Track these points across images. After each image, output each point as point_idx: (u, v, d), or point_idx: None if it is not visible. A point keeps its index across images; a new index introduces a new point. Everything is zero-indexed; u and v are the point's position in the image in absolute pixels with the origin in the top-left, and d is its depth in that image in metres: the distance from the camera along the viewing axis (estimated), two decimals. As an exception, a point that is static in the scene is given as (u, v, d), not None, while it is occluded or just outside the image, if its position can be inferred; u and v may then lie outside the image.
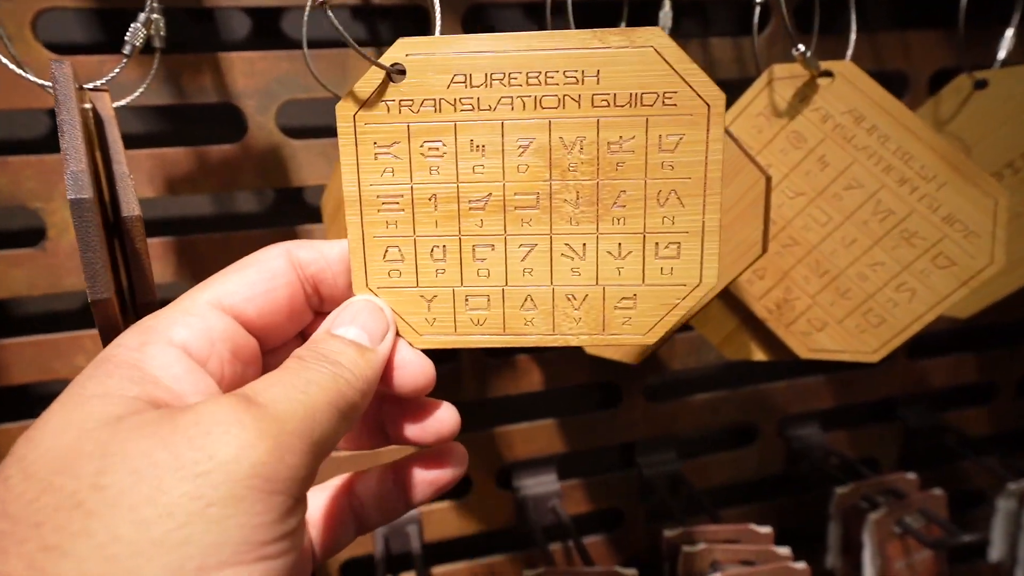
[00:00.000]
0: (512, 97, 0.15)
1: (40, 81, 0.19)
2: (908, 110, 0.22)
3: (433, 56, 0.14)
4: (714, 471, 0.38)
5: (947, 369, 0.40)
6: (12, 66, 0.19)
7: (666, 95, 0.14)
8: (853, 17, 0.25)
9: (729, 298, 0.25)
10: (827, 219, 0.23)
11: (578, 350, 0.32)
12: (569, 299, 0.16)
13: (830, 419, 0.40)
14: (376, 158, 0.15)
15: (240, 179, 0.29)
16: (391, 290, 0.16)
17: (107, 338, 0.17)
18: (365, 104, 0.15)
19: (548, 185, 0.15)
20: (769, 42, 0.32)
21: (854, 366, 0.39)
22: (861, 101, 0.22)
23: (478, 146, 0.15)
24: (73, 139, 0.16)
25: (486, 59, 0.14)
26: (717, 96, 0.14)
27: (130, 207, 0.17)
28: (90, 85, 0.20)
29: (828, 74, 0.23)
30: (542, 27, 0.27)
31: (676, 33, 0.19)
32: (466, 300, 0.16)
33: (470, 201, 0.15)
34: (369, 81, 0.15)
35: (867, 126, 0.22)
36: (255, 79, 0.28)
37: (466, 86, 0.15)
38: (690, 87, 0.14)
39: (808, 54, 0.22)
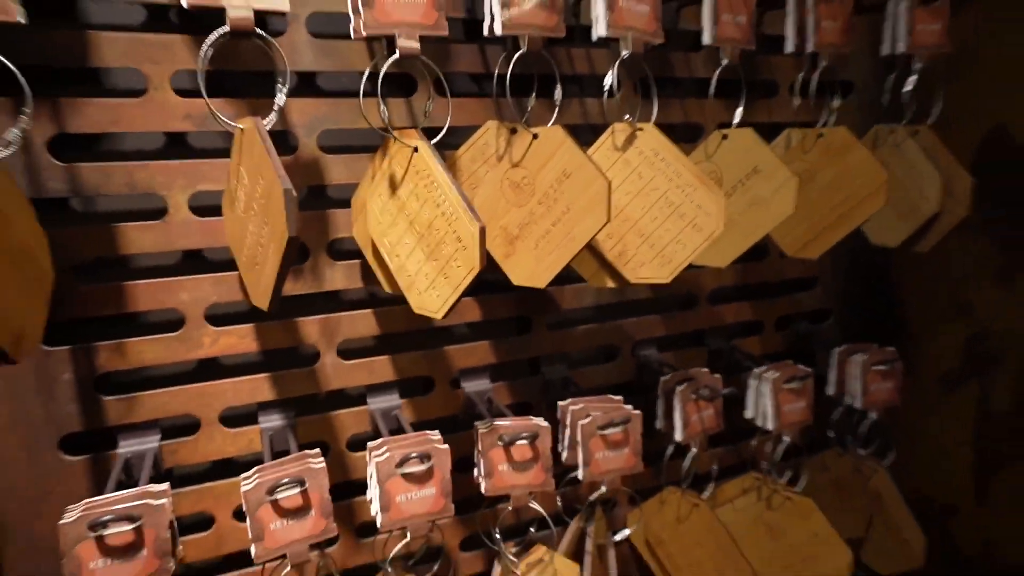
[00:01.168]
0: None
1: (233, 124, 0.35)
2: (678, 150, 0.43)
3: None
4: (590, 377, 0.58)
5: (734, 312, 0.63)
6: (218, 116, 0.35)
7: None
8: (655, 94, 0.46)
9: (592, 250, 0.45)
10: (639, 205, 0.44)
11: (506, 294, 0.51)
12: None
13: (663, 344, 0.61)
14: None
15: (292, 178, 0.45)
16: None
17: (285, 270, 0.33)
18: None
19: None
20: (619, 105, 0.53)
21: (680, 308, 0.61)
22: (658, 144, 0.43)
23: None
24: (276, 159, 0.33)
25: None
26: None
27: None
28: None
29: (640, 129, 0.44)
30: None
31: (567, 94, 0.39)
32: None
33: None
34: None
35: (661, 157, 0.43)
36: (303, 116, 0.45)
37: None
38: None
39: (630, 118, 0.43)
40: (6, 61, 0.31)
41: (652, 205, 0.44)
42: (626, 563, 0.63)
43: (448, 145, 0.44)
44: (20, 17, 0.30)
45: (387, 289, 0.45)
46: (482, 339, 0.54)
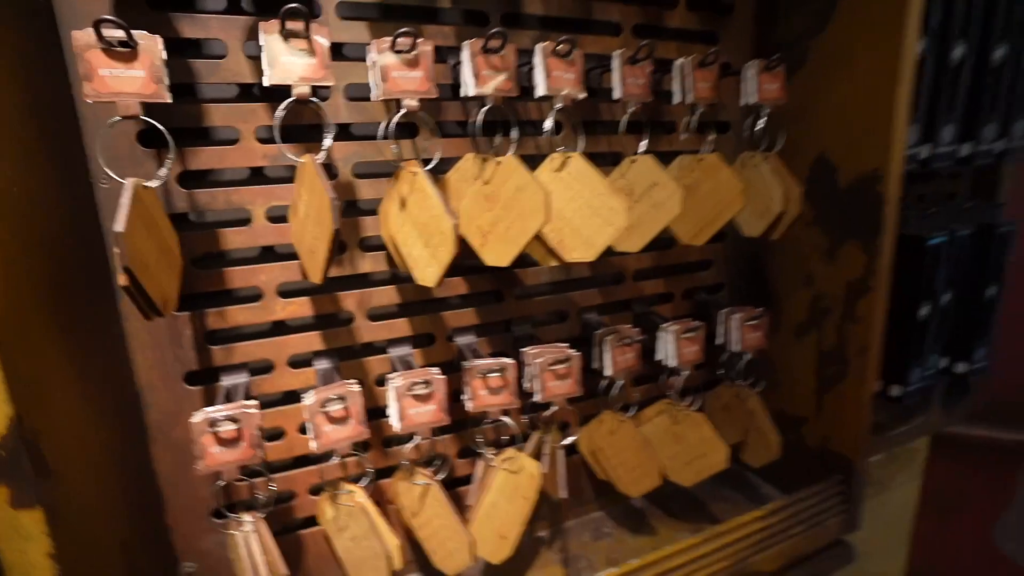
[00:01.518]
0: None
1: (297, 159, 0.46)
2: (596, 170, 0.53)
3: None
4: (548, 333, 0.68)
5: (652, 286, 0.74)
6: (287, 154, 0.45)
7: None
8: (581, 132, 0.56)
9: (540, 240, 0.56)
10: (571, 208, 0.54)
11: (485, 275, 0.62)
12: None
13: (601, 310, 0.72)
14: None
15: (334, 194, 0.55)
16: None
17: (332, 254, 0.43)
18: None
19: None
20: (561, 139, 0.63)
21: (613, 283, 0.71)
22: (582, 166, 0.54)
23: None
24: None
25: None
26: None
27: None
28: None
29: (570, 156, 0.54)
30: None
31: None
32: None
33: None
34: (407, 177, 0.43)
35: (584, 175, 0.54)
36: (342, 153, 0.55)
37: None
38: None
39: (564, 148, 0.53)
40: (159, 125, 0.41)
41: (579, 208, 0.54)
42: (577, 468, 0.74)
43: (441, 171, 0.54)
44: (168, 99, 0.40)
45: (402, 270, 0.55)
46: (469, 307, 0.64)
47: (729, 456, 0.67)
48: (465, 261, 0.55)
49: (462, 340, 0.64)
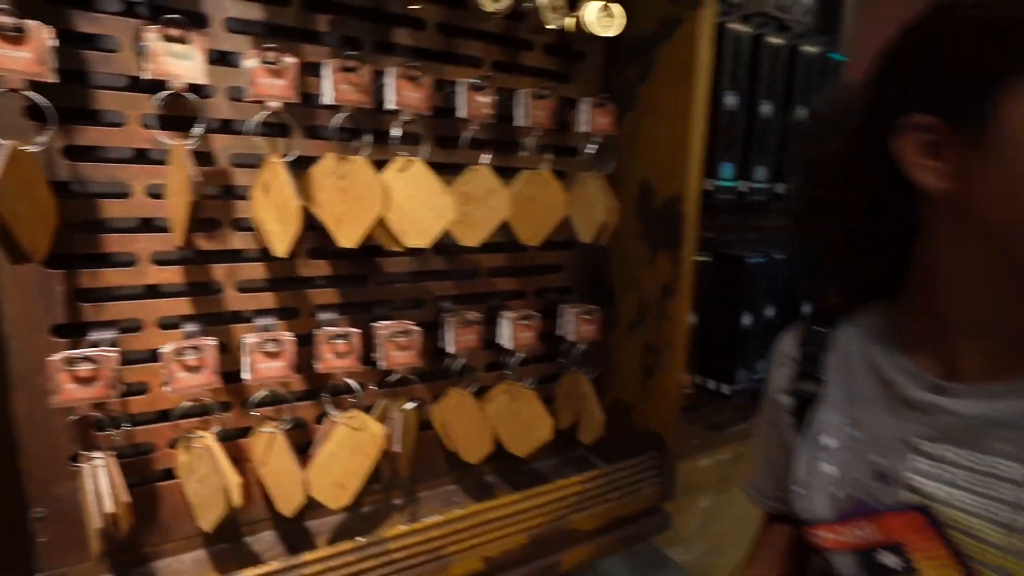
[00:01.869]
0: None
1: (170, 143, 0.55)
2: (432, 172, 0.65)
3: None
4: (408, 316, 0.78)
5: (505, 283, 0.85)
6: (165, 141, 0.54)
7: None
8: (424, 141, 0.68)
9: (386, 229, 0.66)
10: (411, 203, 0.65)
11: (350, 261, 0.71)
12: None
13: (457, 300, 0.82)
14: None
15: (209, 180, 0.64)
16: None
17: (196, 212, 0.53)
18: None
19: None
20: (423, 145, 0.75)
21: (468, 278, 0.82)
22: (421, 169, 0.65)
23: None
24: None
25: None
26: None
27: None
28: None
29: (411, 160, 0.65)
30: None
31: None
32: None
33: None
34: (272, 168, 0.53)
35: (423, 176, 0.65)
36: (222, 144, 0.64)
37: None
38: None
39: (406, 154, 0.64)
40: (40, 99, 0.49)
41: (418, 204, 0.65)
42: (432, 443, 0.83)
43: (307, 164, 0.64)
44: (51, 79, 0.49)
45: (268, 246, 0.64)
46: (333, 287, 0.73)
47: (553, 428, 0.78)
48: (329, 247, 0.64)
49: (324, 316, 0.73)
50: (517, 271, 0.86)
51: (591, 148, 0.78)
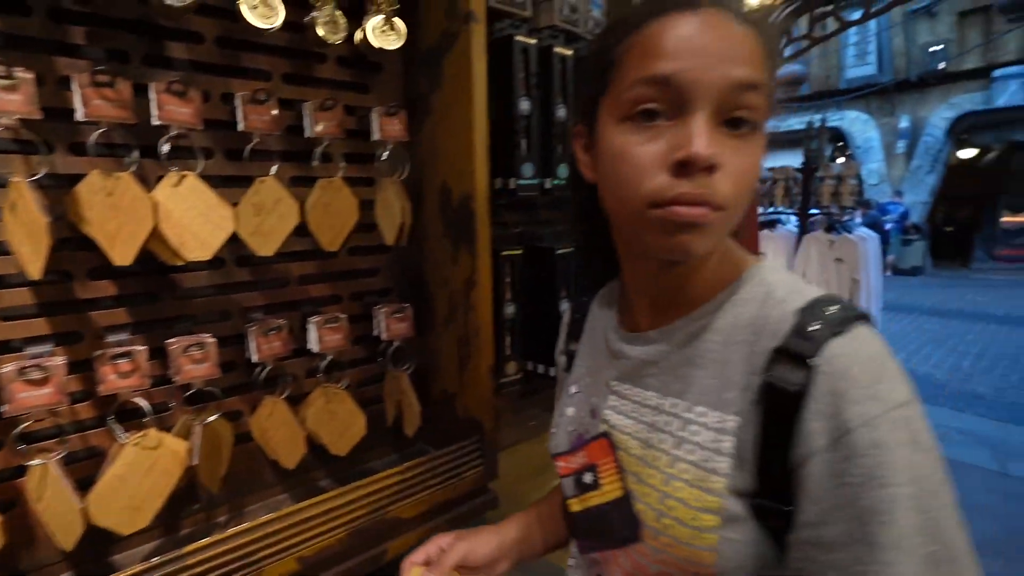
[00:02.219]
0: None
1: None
2: (207, 186, 0.65)
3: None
4: (214, 330, 0.78)
5: (319, 289, 0.87)
6: None
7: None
8: (200, 156, 0.68)
9: (165, 242, 0.66)
10: (188, 216, 0.65)
11: (142, 278, 0.70)
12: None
13: (269, 310, 0.83)
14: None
15: None
16: None
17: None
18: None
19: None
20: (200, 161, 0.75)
21: (278, 287, 0.83)
22: (196, 183, 0.65)
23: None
24: None
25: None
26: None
27: None
28: None
29: (185, 175, 0.65)
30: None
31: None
32: None
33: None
34: (16, 187, 0.52)
35: (199, 190, 0.65)
36: None
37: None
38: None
39: (176, 168, 0.65)
40: None
41: (195, 216, 0.65)
42: (256, 454, 0.83)
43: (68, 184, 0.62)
44: None
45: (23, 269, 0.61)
46: (121, 307, 0.71)
47: (364, 424, 0.81)
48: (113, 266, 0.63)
49: (115, 337, 0.71)
50: (331, 276, 0.88)
51: (386, 154, 0.82)
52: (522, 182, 0.95)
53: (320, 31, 0.74)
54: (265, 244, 0.73)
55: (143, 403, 0.67)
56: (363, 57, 0.87)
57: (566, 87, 1.02)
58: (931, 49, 9.78)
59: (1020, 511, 2.62)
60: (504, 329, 1.00)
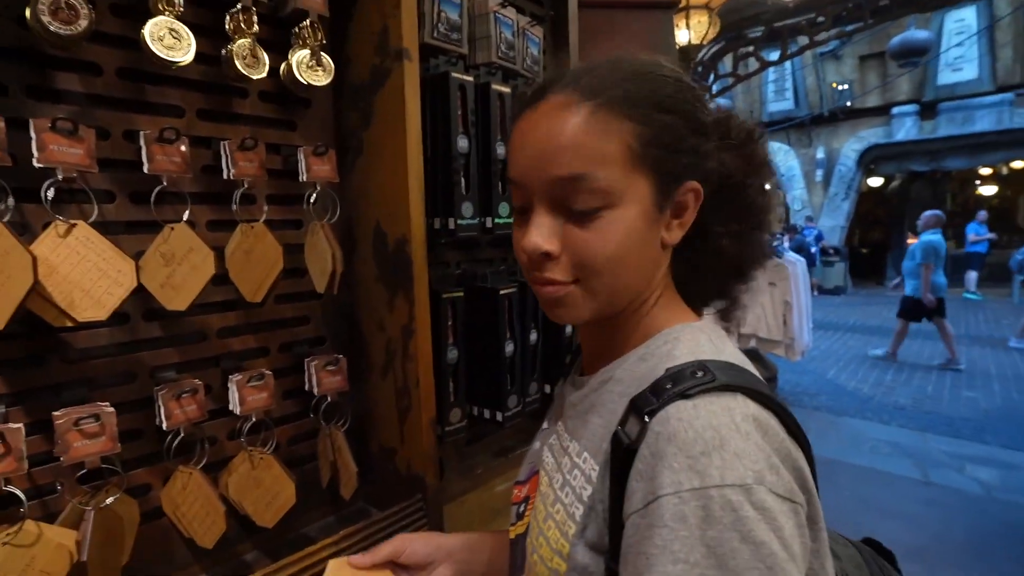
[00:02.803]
0: None
1: None
2: (102, 236, 0.58)
3: None
4: (113, 395, 0.68)
5: (242, 342, 0.79)
6: None
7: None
8: (94, 201, 0.61)
9: (49, 301, 0.57)
10: (79, 270, 0.57)
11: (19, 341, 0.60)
12: None
13: (185, 368, 0.74)
14: None
15: None
16: None
17: None
18: None
19: None
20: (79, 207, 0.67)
21: (195, 341, 0.75)
22: (88, 233, 0.58)
23: None
24: None
25: None
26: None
27: None
28: None
29: (75, 224, 0.58)
30: None
31: None
32: None
33: None
34: None
35: (91, 241, 0.57)
36: None
37: None
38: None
39: (61, 219, 0.57)
40: None
41: (88, 270, 0.57)
42: (168, 532, 0.73)
43: None
44: None
45: None
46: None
47: (294, 492, 0.73)
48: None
49: (-12, 411, 0.60)
50: (256, 328, 0.81)
51: (314, 196, 0.77)
52: (462, 221, 0.91)
53: (238, 65, 0.68)
54: (176, 297, 0.65)
55: (16, 491, 0.57)
56: (288, 92, 0.81)
57: (504, 124, 1.01)
58: (839, 88, 10.67)
59: (940, 518, 2.76)
60: (447, 375, 0.95)
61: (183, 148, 0.66)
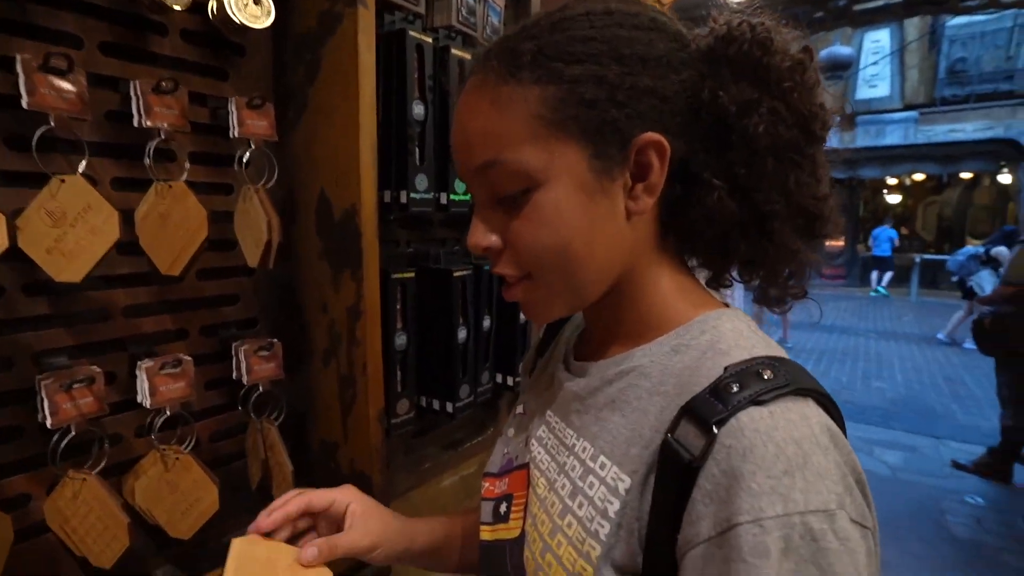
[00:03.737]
0: None
1: None
2: None
3: None
4: (-18, 385, 0.55)
5: (155, 323, 0.67)
6: None
7: None
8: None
9: None
10: None
11: None
12: None
13: (81, 352, 0.62)
14: None
15: None
16: None
17: None
18: None
19: None
20: None
21: (95, 321, 0.62)
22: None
23: None
24: None
25: None
26: None
27: None
28: None
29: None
30: None
31: None
32: None
33: None
34: None
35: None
36: None
37: None
38: None
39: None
40: None
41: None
42: (54, 550, 0.61)
43: None
44: None
45: None
46: None
47: (216, 497, 0.63)
48: None
49: None
50: (174, 306, 0.69)
51: (247, 156, 0.66)
52: (415, 195, 0.83)
53: (156, -8, 0.57)
54: (68, 267, 0.53)
55: None
56: (219, 35, 0.70)
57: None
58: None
59: (887, 500, 2.93)
60: (395, 363, 0.86)
61: (79, 82, 0.54)
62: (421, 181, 0.82)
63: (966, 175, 10.63)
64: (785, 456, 0.32)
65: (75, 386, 0.55)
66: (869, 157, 10.45)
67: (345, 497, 0.54)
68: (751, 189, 0.40)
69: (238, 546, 0.46)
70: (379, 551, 0.52)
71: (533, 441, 0.50)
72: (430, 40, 0.85)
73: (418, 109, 0.84)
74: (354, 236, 0.68)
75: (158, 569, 0.69)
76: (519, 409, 0.57)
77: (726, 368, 0.37)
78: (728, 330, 0.41)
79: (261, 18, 0.65)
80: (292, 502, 0.50)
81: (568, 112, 0.38)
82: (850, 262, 11.96)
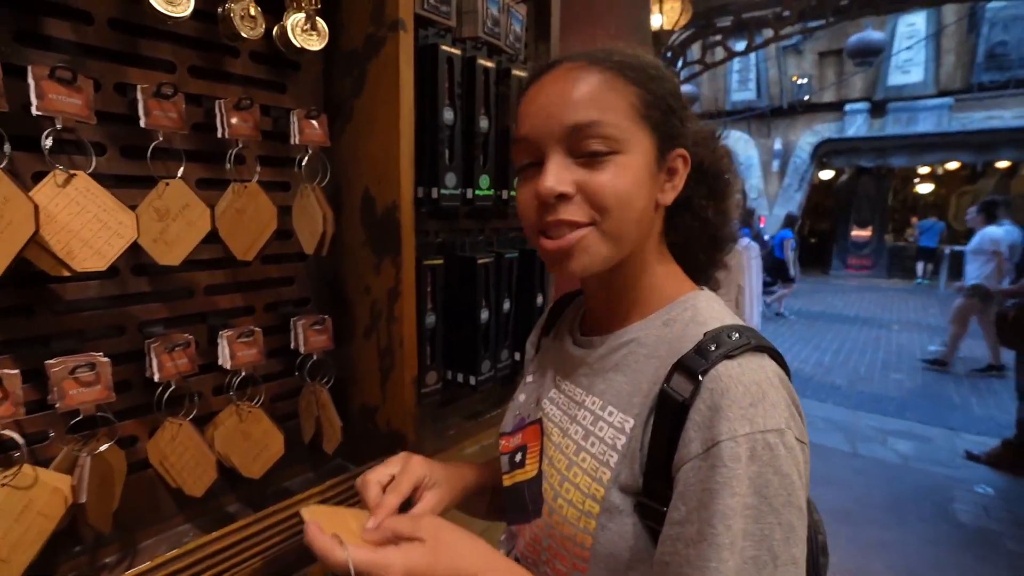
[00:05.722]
0: None
1: None
2: (102, 188, 0.58)
3: None
4: (103, 346, 0.69)
5: (229, 300, 0.81)
6: None
7: None
8: (92, 154, 0.61)
9: (47, 250, 0.58)
10: (79, 221, 0.58)
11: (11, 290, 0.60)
12: None
13: (171, 323, 0.75)
14: None
15: None
16: None
17: None
18: None
19: None
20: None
21: (183, 298, 0.76)
22: (88, 184, 0.58)
23: None
24: None
25: None
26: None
27: None
28: None
29: (74, 174, 0.58)
30: None
31: None
32: None
33: None
34: None
35: (91, 192, 0.58)
36: None
37: None
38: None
39: (61, 168, 0.57)
40: None
41: (88, 221, 0.58)
42: (153, 483, 0.75)
43: None
44: None
45: None
46: (-13, 323, 0.61)
47: (283, 443, 0.76)
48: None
49: (-21, 359, 0.61)
50: (243, 287, 0.82)
51: (305, 159, 0.78)
52: (445, 191, 0.94)
53: (236, 24, 0.68)
54: (169, 252, 0.66)
55: (15, 436, 0.58)
56: (279, 55, 0.82)
57: (488, 98, 1.03)
58: (799, 81, 11.02)
59: (864, 484, 3.02)
60: (425, 339, 0.99)
61: (179, 104, 0.66)
62: (450, 179, 0.93)
63: (1002, 164, 10.33)
64: (750, 393, 0.45)
65: (175, 349, 0.69)
66: (899, 145, 10.21)
67: (416, 471, 0.60)
68: (720, 213, 0.60)
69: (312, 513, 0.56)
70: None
71: (545, 401, 0.63)
72: (459, 52, 0.96)
73: (448, 115, 0.95)
74: (394, 228, 0.80)
75: (230, 506, 0.83)
76: (529, 378, 0.69)
77: (705, 334, 0.50)
78: (704, 307, 0.55)
79: (316, 41, 0.77)
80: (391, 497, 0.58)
81: (652, 112, 0.52)
82: (876, 251, 11.74)
